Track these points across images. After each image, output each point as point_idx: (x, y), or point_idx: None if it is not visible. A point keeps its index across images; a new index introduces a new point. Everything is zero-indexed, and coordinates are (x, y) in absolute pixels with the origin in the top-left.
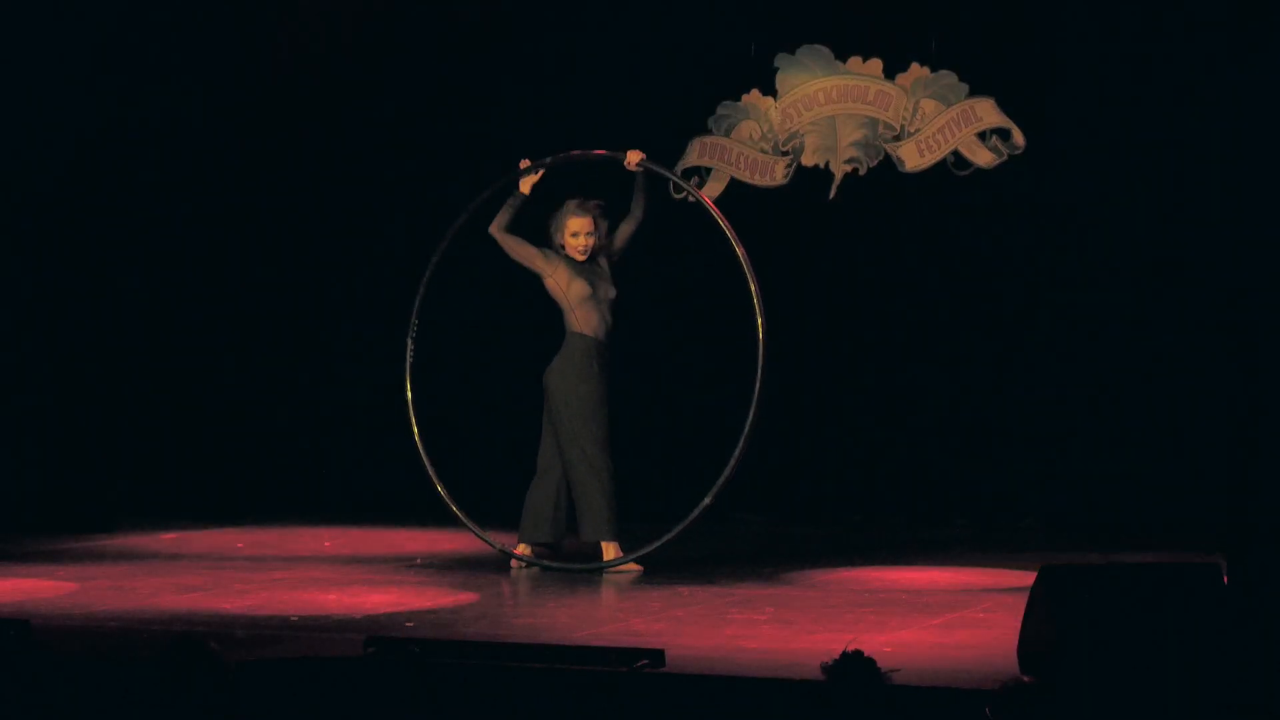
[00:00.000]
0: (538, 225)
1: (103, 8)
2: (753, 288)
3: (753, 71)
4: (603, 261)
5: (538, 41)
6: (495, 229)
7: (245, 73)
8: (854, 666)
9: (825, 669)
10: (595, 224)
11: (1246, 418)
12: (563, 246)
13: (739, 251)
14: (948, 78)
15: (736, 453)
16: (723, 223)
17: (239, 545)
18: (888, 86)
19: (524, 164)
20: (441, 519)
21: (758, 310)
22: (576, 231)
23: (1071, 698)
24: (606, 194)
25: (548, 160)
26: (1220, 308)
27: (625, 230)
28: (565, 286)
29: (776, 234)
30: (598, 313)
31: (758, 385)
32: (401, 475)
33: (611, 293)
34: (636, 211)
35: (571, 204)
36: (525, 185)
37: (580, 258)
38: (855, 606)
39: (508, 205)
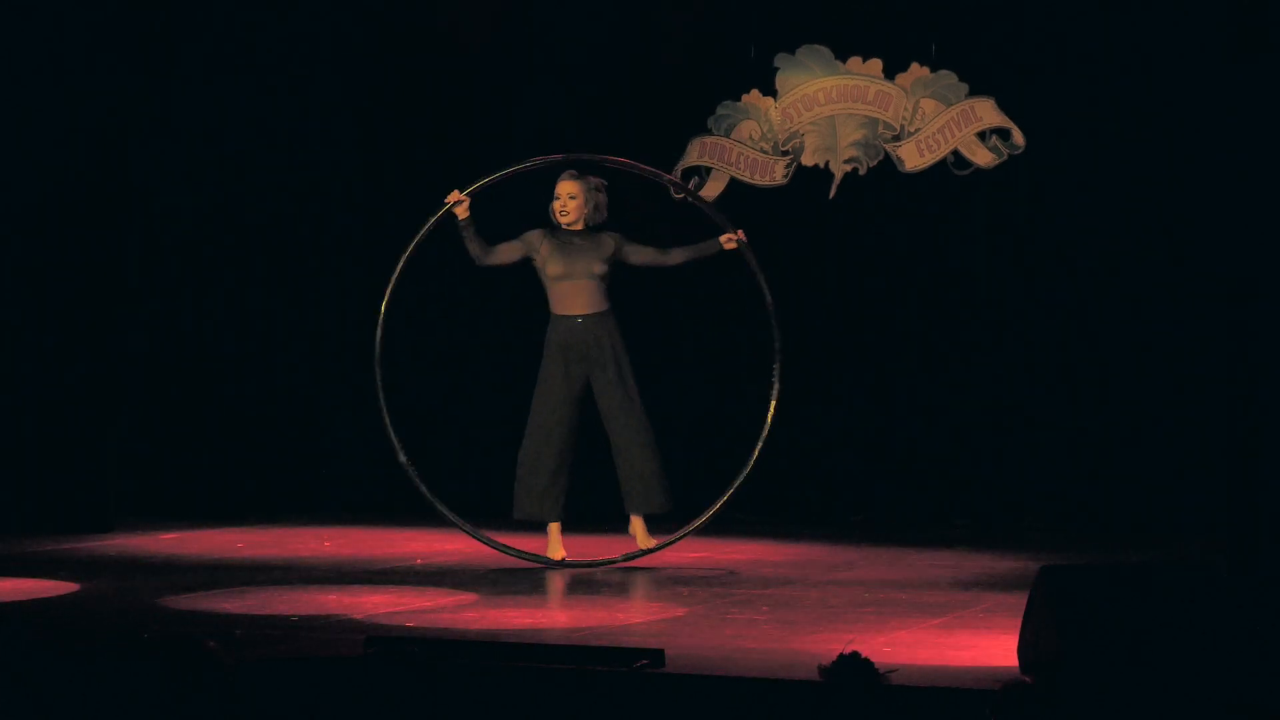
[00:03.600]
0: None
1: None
2: (775, 330)
3: (753, 71)
4: (608, 240)
5: (538, 41)
6: (480, 260)
7: (248, 70)
8: (851, 668)
9: (822, 671)
10: (583, 192)
11: (1247, 418)
12: (553, 214)
13: (764, 288)
14: (948, 78)
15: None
16: (753, 264)
17: (239, 545)
18: (888, 86)
19: (453, 197)
20: (440, 519)
21: (776, 343)
22: (558, 194)
23: (1072, 698)
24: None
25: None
26: (1221, 307)
27: (650, 257)
28: (543, 265)
29: (776, 234)
30: (574, 290)
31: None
32: (402, 475)
33: (598, 268)
34: (674, 258)
35: (565, 173)
36: (461, 210)
37: (562, 220)
38: (855, 606)
39: (467, 237)
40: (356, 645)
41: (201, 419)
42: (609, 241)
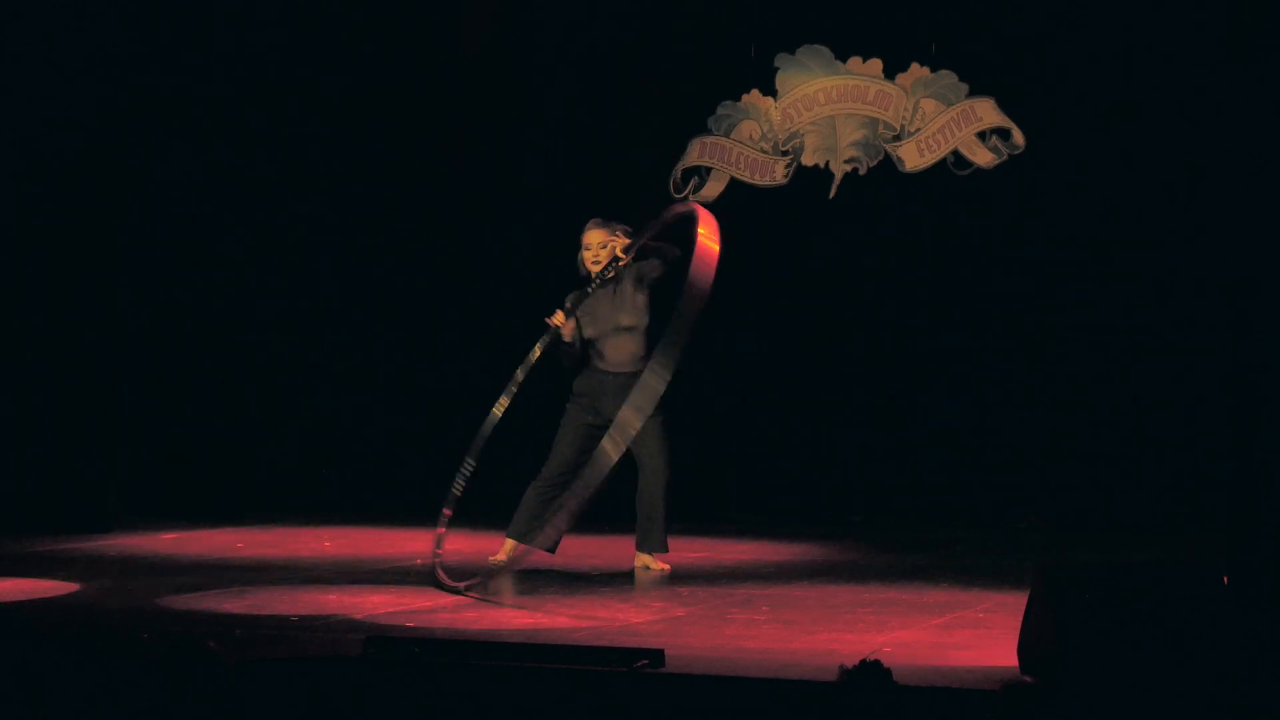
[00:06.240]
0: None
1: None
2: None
3: (753, 71)
4: (628, 287)
5: (539, 41)
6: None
7: (255, 71)
8: (868, 674)
9: (842, 671)
10: (609, 238)
11: (1247, 418)
12: (583, 265)
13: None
14: (948, 78)
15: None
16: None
17: (239, 545)
18: (888, 86)
19: (557, 319)
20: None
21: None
22: (588, 245)
23: (1072, 698)
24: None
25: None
26: (1220, 308)
27: (654, 266)
28: (582, 325)
29: (776, 234)
30: (603, 345)
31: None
32: (402, 475)
33: (626, 320)
34: (664, 252)
35: (591, 221)
36: (566, 332)
37: (594, 269)
38: (855, 606)
39: (567, 353)
40: (356, 645)
41: (202, 419)
42: (628, 283)
